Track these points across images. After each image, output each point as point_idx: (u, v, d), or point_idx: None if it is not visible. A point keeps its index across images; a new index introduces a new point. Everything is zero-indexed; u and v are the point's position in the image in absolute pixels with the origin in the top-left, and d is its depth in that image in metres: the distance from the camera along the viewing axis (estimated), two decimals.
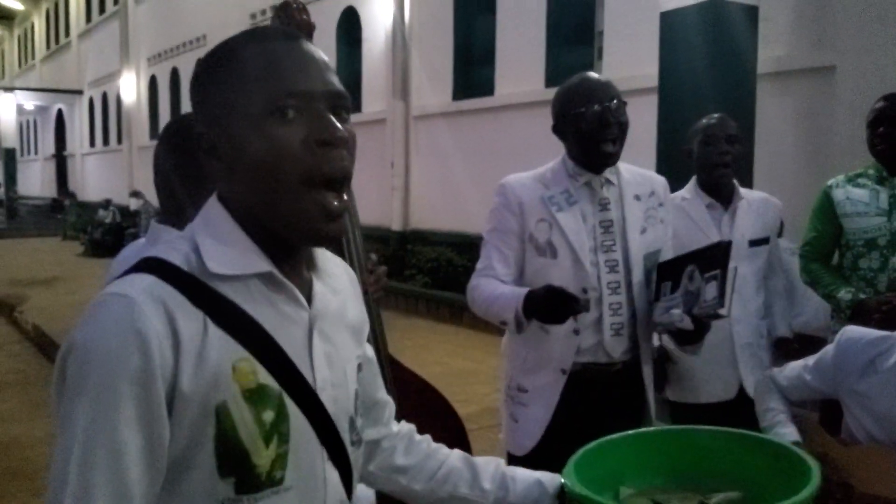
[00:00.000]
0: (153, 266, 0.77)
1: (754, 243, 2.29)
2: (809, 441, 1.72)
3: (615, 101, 1.72)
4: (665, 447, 1.10)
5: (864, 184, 2.31)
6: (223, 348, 0.75)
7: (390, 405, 1.07)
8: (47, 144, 24.75)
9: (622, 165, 1.84)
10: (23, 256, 13.42)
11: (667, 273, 1.73)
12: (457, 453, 1.08)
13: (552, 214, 1.76)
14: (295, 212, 0.77)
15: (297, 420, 0.79)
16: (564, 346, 1.75)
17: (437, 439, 1.22)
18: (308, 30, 1.57)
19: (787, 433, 1.74)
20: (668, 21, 4.41)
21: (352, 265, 1.51)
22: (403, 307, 7.88)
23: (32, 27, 26.35)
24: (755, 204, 2.33)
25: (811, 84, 4.81)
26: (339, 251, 1.52)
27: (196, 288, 0.76)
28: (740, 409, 2.21)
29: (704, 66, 4.21)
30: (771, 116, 4.71)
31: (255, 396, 0.76)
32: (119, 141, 18.43)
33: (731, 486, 1.04)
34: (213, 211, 0.82)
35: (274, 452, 0.77)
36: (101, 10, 19.72)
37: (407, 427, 1.09)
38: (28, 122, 26.27)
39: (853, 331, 1.69)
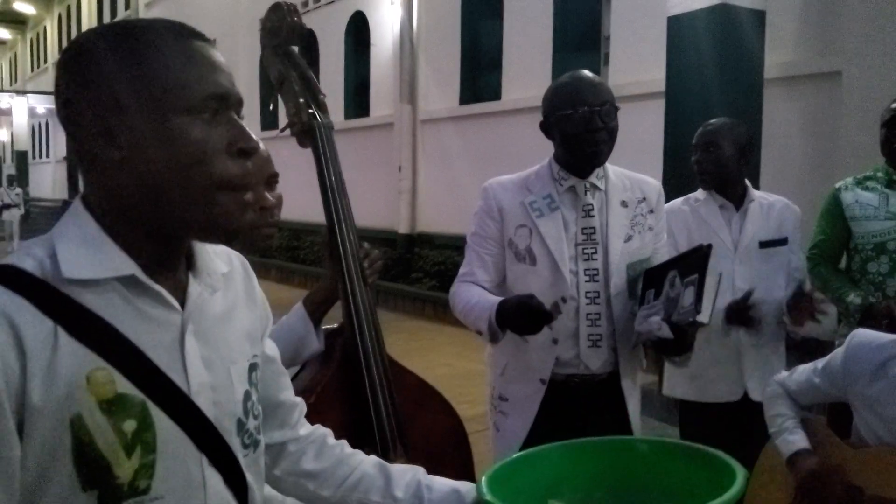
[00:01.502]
0: (0, 274, 0.72)
1: (765, 244, 2.27)
2: (819, 444, 1.72)
3: (605, 105, 1.66)
4: (596, 458, 1.07)
5: (874, 187, 2.30)
6: (76, 358, 0.71)
7: (300, 407, 1.03)
8: (59, 147, 24.90)
9: (612, 169, 1.78)
10: None
11: (652, 280, 1.67)
12: (371, 459, 1.04)
13: (533, 220, 1.72)
14: (201, 207, 0.75)
15: (165, 427, 0.76)
16: (543, 356, 1.71)
17: (436, 439, 1.20)
18: (300, 31, 1.55)
19: (796, 440, 1.74)
20: (675, 26, 4.42)
21: (345, 257, 1.50)
22: (410, 309, 7.89)
23: (45, 31, 26.56)
24: (768, 206, 2.32)
25: (818, 89, 4.81)
26: (333, 244, 1.52)
27: (46, 296, 0.72)
28: (744, 412, 2.23)
29: (711, 70, 4.22)
30: (778, 121, 4.71)
31: (114, 407, 0.72)
32: None
33: (663, 496, 1.02)
34: (74, 214, 0.78)
35: (137, 462, 0.74)
36: (113, 14, 19.88)
37: (321, 431, 1.05)
38: (40, 124, 26.46)
39: (863, 334, 1.68)
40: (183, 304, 0.80)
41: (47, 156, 26.26)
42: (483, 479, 0.96)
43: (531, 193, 1.74)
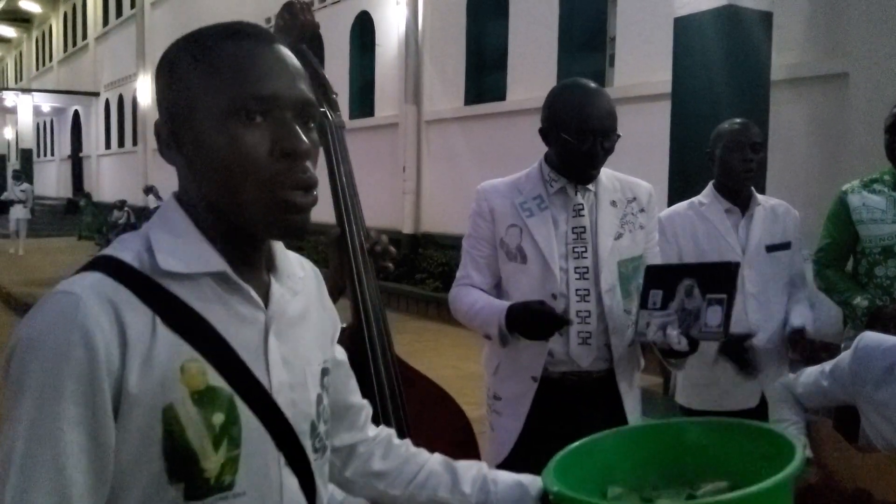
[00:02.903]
0: (103, 264, 0.75)
1: (771, 248, 2.27)
2: (825, 449, 1.71)
3: (609, 135, 1.68)
4: (650, 442, 1.09)
5: (881, 190, 2.29)
6: (172, 349, 0.73)
7: (367, 409, 1.05)
8: (64, 145, 24.98)
9: (603, 171, 1.80)
10: (39, 256, 13.55)
11: (658, 280, 1.63)
12: (437, 457, 1.06)
13: (523, 220, 1.74)
14: (258, 208, 0.76)
15: (250, 423, 0.77)
16: (534, 353, 1.72)
17: (445, 439, 1.21)
18: (312, 29, 1.55)
19: None
20: (682, 27, 4.41)
21: (355, 256, 1.50)
22: (414, 310, 7.89)
23: (50, 30, 26.64)
24: (772, 210, 2.31)
25: (825, 91, 4.79)
26: (343, 245, 1.52)
27: (146, 286, 0.74)
28: (764, 417, 2.20)
29: (718, 72, 4.21)
30: (784, 123, 4.69)
31: (205, 398, 0.74)
32: (134, 143, 18.58)
33: (718, 475, 1.03)
34: (169, 209, 0.80)
35: (224, 456, 0.75)
36: (118, 13, 19.93)
37: (386, 432, 1.07)
38: (45, 123, 26.54)
39: (871, 337, 1.67)
40: (266, 303, 0.82)
41: (52, 154, 26.34)
42: (548, 469, 0.98)
43: (521, 194, 1.78)
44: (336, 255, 1.54)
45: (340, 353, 0.99)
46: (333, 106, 1.58)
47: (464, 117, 8.64)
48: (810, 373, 1.78)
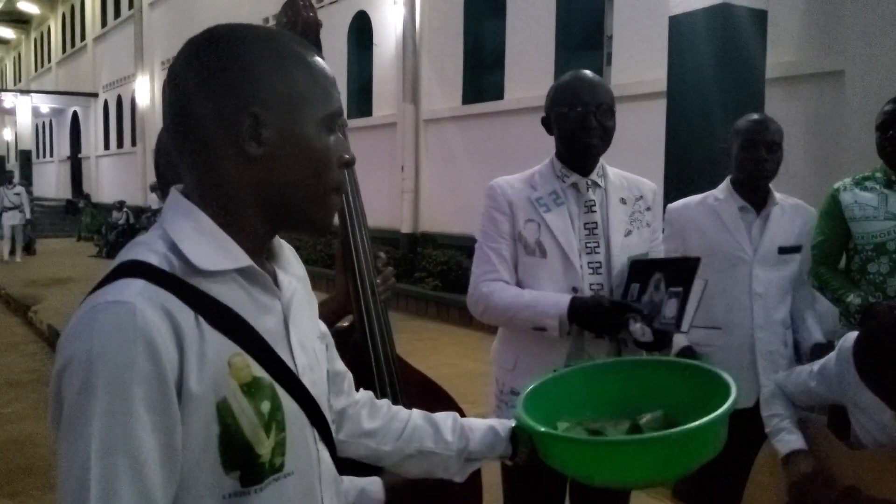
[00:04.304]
0: (136, 270, 0.75)
1: (784, 251, 2.23)
2: (817, 445, 1.73)
3: (602, 106, 1.72)
4: (607, 379, 1.23)
5: (872, 187, 2.30)
6: (218, 346, 0.76)
7: (349, 374, 1.11)
8: (62, 146, 24.96)
9: (610, 169, 1.84)
10: (38, 257, 13.55)
11: (638, 273, 1.71)
12: (416, 412, 1.14)
13: (541, 215, 1.77)
14: (319, 206, 0.84)
15: (290, 406, 0.82)
16: (556, 346, 1.74)
17: None
18: (315, 27, 1.54)
19: (792, 440, 1.74)
20: (677, 25, 4.42)
21: (360, 267, 1.51)
22: (413, 309, 7.90)
23: (48, 30, 26.61)
24: (789, 210, 2.27)
25: (820, 89, 4.81)
26: (347, 253, 1.52)
27: (183, 287, 0.75)
28: (755, 417, 2.20)
29: (713, 70, 4.22)
30: (780, 121, 4.68)
31: (253, 389, 0.77)
32: (133, 143, 18.58)
33: (658, 408, 1.15)
34: (185, 207, 0.81)
35: (273, 440, 0.79)
36: (117, 14, 19.91)
37: (366, 393, 1.14)
38: (44, 124, 26.52)
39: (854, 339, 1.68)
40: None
41: (51, 155, 26.32)
42: (519, 399, 1.13)
43: (536, 190, 1.79)
44: (342, 277, 1.54)
45: (322, 324, 1.04)
46: None
47: (462, 116, 8.65)
48: (800, 372, 1.80)
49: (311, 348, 0.89)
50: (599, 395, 1.20)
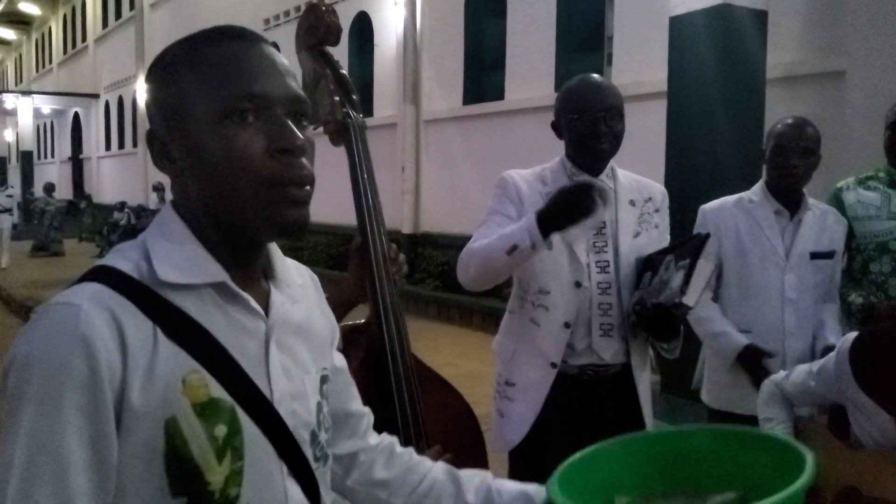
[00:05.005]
0: (101, 274, 0.73)
1: (816, 256, 2.20)
2: (817, 445, 1.72)
3: (610, 110, 1.73)
4: (657, 451, 1.05)
5: (875, 187, 2.30)
6: (173, 360, 0.72)
7: (368, 417, 1.03)
8: (64, 147, 24.99)
9: (620, 171, 1.87)
10: (38, 257, 13.57)
11: (650, 264, 1.76)
12: (440, 465, 1.03)
13: None
14: (256, 207, 0.75)
15: (252, 434, 0.76)
16: (554, 340, 1.75)
17: (454, 439, 1.20)
18: (337, 31, 1.55)
19: None
20: (677, 26, 4.42)
21: (375, 255, 1.50)
22: (414, 310, 7.90)
23: (50, 32, 26.63)
24: (823, 215, 2.24)
25: (821, 89, 4.80)
26: (363, 242, 1.51)
27: (146, 297, 0.72)
28: None
29: (713, 71, 4.22)
30: None
31: (207, 410, 0.73)
32: (134, 144, 18.59)
33: (728, 485, 0.99)
34: (166, 218, 0.79)
35: (228, 469, 0.73)
36: (118, 15, 19.94)
37: (388, 440, 1.04)
38: (45, 125, 26.54)
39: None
40: (266, 312, 0.81)
41: (52, 156, 26.35)
42: (552, 479, 0.94)
43: (546, 185, 1.81)
44: (357, 267, 1.53)
45: (340, 360, 0.98)
46: (355, 107, 1.58)
47: (462, 117, 8.65)
48: (799, 372, 1.79)
49: (299, 376, 0.83)
50: (660, 468, 1.04)
